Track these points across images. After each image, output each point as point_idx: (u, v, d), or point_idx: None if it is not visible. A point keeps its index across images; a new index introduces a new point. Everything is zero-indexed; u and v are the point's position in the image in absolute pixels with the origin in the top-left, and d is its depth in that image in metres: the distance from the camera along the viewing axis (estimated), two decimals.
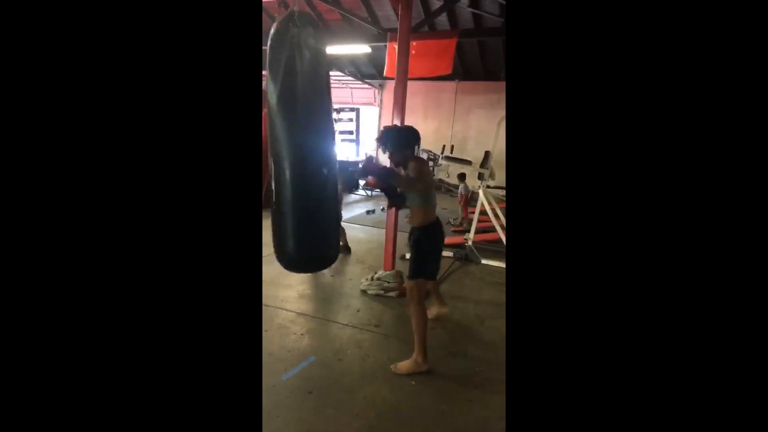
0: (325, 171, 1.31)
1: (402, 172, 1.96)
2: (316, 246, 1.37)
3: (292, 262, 1.38)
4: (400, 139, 1.98)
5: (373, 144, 8.77)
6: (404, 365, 1.95)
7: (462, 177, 5.39)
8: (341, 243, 3.72)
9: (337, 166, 1.44)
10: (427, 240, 1.99)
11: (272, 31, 1.22)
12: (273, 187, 1.31)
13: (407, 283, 2.01)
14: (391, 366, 1.96)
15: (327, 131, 1.34)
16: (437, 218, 2.02)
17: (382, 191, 2.08)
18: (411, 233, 2.05)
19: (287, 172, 1.25)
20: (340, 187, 1.66)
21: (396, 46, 5.35)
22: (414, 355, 1.94)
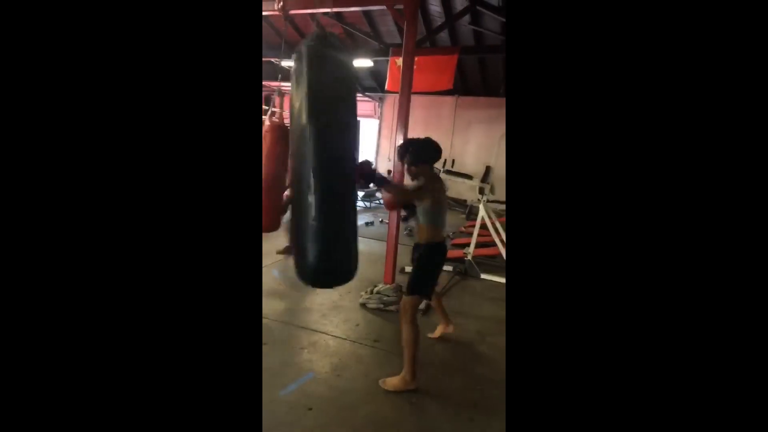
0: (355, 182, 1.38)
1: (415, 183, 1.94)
2: (341, 259, 1.38)
3: (317, 276, 1.37)
4: (418, 151, 1.96)
5: (371, 158, 8.86)
6: (392, 381, 1.92)
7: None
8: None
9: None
10: (429, 258, 1.97)
11: (302, 47, 1.26)
12: (297, 199, 1.32)
13: (403, 299, 1.98)
14: (380, 381, 1.94)
15: (355, 142, 1.39)
16: (444, 238, 2.00)
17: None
18: (415, 248, 2.05)
19: (315, 185, 1.26)
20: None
21: (398, 61, 5.45)
22: (403, 372, 1.91)
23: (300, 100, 1.28)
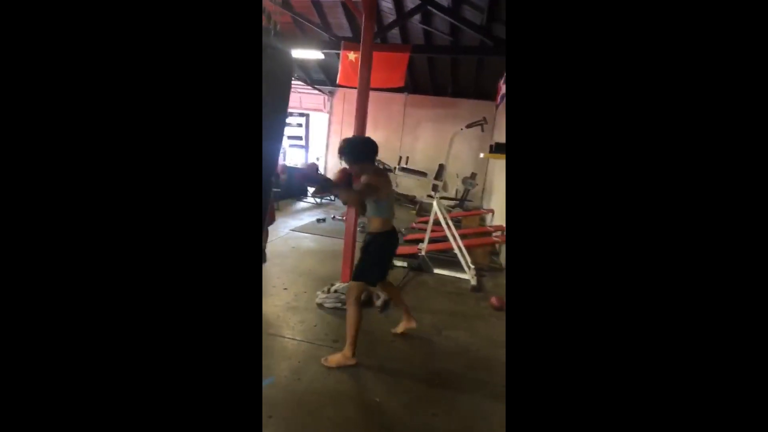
0: (273, 179, 1.27)
1: (361, 181, 2.03)
2: None
3: None
4: (358, 150, 2.05)
5: (320, 153, 8.67)
6: (334, 358, 2.06)
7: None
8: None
9: (286, 172, 1.42)
10: (376, 245, 2.09)
11: None
12: None
13: (349, 284, 2.13)
14: (322, 359, 2.06)
15: (277, 136, 1.30)
16: (393, 228, 2.14)
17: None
18: (366, 238, 2.16)
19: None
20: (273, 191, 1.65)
21: (350, 55, 5.38)
22: (344, 349, 2.06)
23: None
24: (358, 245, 2.99)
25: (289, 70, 1.32)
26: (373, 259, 2.09)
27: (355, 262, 2.20)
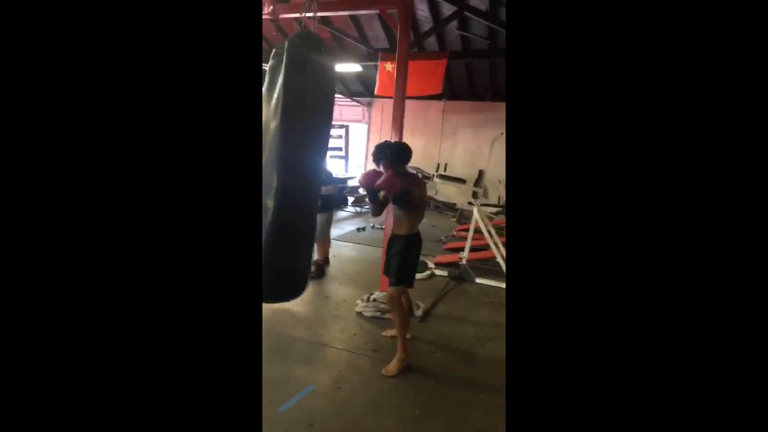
0: (322, 189, 1.30)
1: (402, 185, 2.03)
2: (298, 270, 1.26)
3: (270, 288, 1.19)
4: (393, 155, 2.09)
5: (360, 162, 8.83)
6: (392, 367, 2.06)
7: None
8: (324, 255, 3.64)
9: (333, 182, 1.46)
10: (412, 249, 2.13)
11: (284, 47, 1.20)
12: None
13: (391, 290, 2.13)
14: (382, 371, 2.05)
15: (322, 148, 1.32)
16: (419, 231, 2.18)
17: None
18: (394, 242, 2.17)
19: (274, 187, 1.17)
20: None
21: (387, 65, 5.45)
22: (398, 354, 2.09)
23: (273, 103, 1.21)
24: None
25: (332, 86, 1.35)
26: (409, 262, 2.13)
27: (388, 267, 2.21)
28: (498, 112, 7.56)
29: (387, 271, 2.24)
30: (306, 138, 1.24)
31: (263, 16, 2.10)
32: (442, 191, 7.82)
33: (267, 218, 1.17)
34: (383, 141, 2.21)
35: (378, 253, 3.28)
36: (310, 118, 1.23)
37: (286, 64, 1.18)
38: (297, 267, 1.27)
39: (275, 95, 1.21)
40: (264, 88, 1.25)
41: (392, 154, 2.10)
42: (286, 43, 1.21)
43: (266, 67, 1.26)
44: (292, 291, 1.30)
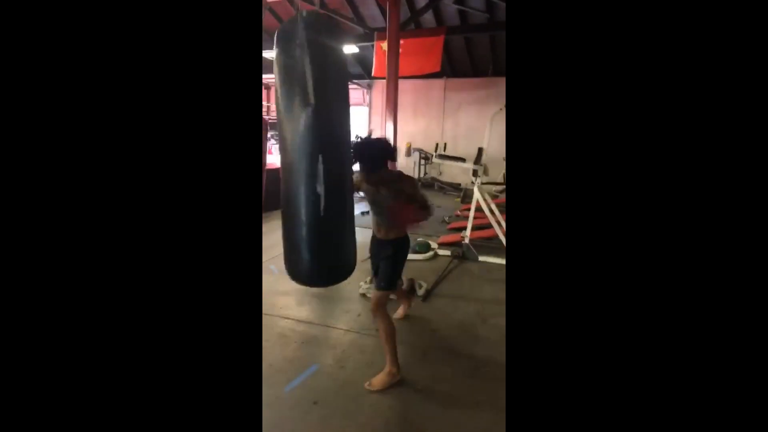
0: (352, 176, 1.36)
1: (380, 190, 1.77)
2: (337, 255, 1.34)
3: (312, 275, 1.32)
4: (375, 154, 1.73)
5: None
6: (378, 380, 1.82)
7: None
8: None
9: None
10: (401, 253, 1.98)
11: (279, 32, 1.17)
12: (286, 195, 1.26)
13: (374, 293, 1.91)
14: (365, 384, 1.82)
15: (347, 131, 1.32)
16: (407, 232, 2.02)
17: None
18: (380, 245, 2.00)
19: (306, 180, 1.20)
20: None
21: (383, 45, 5.35)
22: (387, 368, 1.84)
23: (294, 87, 1.19)
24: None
25: (347, 65, 1.37)
26: (398, 266, 1.97)
27: (375, 268, 2.04)
28: (501, 87, 7.40)
29: (374, 272, 2.08)
30: (341, 119, 1.27)
31: None
32: (447, 172, 7.76)
33: (321, 204, 1.20)
34: (359, 138, 1.80)
35: None
36: (339, 101, 1.25)
37: (309, 46, 1.14)
38: (353, 241, 1.42)
39: (300, 77, 1.15)
40: (277, 78, 1.22)
41: (372, 157, 1.74)
42: (300, 26, 1.15)
43: (266, 54, 1.25)
44: (349, 268, 1.43)
